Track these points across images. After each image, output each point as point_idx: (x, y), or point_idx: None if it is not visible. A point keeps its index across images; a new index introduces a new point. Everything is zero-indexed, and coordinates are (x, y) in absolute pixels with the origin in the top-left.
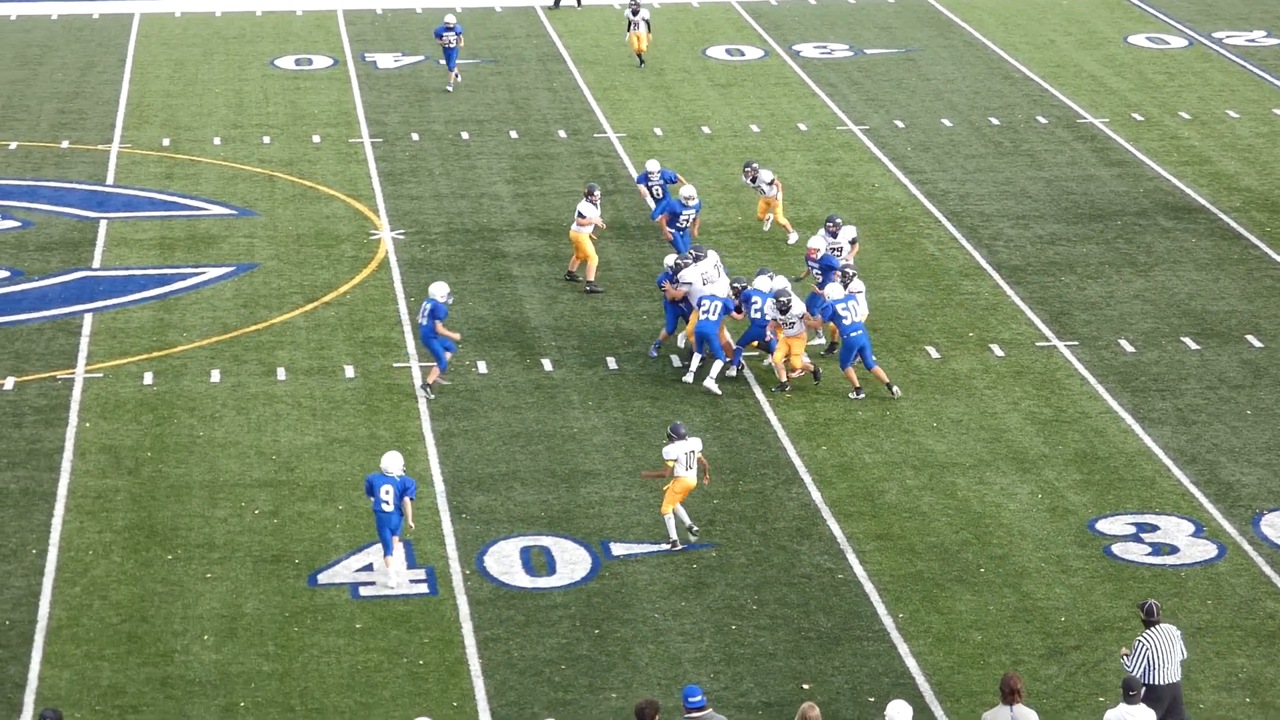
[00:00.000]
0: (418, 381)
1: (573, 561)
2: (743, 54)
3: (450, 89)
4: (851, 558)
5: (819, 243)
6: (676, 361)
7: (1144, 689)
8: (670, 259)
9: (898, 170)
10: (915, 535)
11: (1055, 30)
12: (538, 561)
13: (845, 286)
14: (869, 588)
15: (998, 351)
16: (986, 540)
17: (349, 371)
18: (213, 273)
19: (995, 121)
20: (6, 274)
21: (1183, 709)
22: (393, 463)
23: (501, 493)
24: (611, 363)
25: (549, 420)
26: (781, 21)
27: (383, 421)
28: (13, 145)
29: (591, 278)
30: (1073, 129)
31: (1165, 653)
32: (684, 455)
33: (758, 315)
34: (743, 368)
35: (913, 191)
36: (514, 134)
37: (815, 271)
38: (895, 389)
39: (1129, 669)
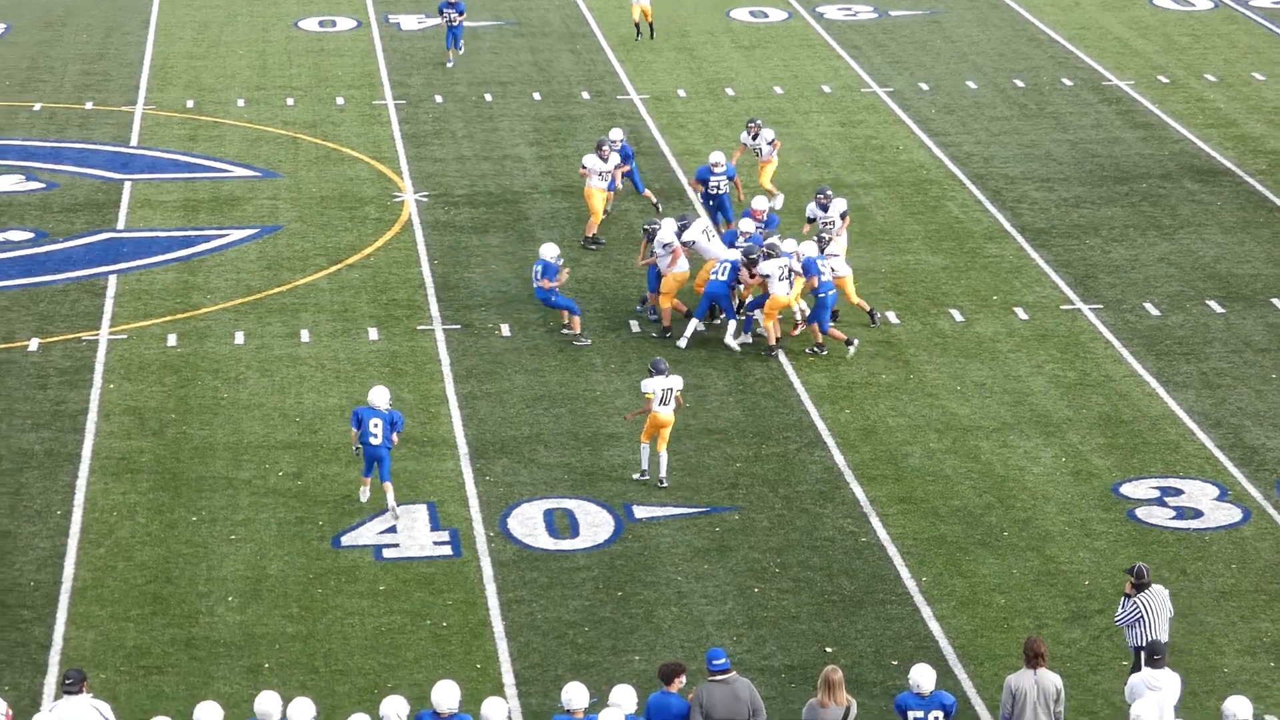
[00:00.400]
0: (443, 349)
1: (596, 524)
2: (766, 16)
3: (450, 64)
4: (874, 521)
5: (763, 203)
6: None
7: (1137, 652)
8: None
9: (922, 133)
10: (938, 499)
11: None
12: (561, 524)
13: (822, 251)
14: (892, 551)
15: (1022, 315)
16: (1010, 504)
17: (373, 334)
18: (236, 234)
19: (1020, 84)
20: (31, 235)
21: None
22: (379, 396)
23: (525, 455)
24: (634, 326)
25: (572, 383)
26: None
27: (406, 384)
28: (37, 106)
29: (589, 234)
30: (1098, 91)
31: (1157, 615)
32: (660, 390)
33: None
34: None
35: (937, 154)
36: (537, 96)
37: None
38: (853, 344)
39: (1118, 621)
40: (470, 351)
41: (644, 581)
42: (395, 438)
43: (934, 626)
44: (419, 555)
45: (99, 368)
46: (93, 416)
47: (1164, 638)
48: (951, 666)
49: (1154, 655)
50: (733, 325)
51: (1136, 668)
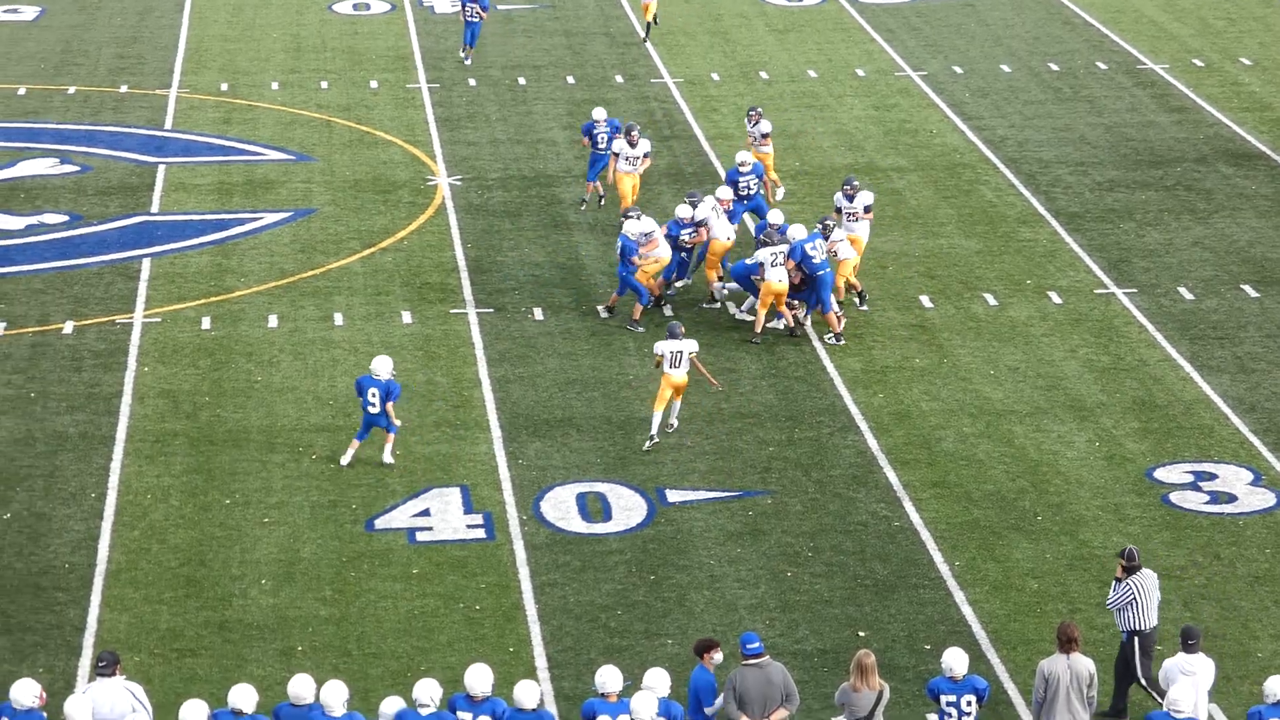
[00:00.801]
0: (476, 332)
1: (628, 508)
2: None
3: (468, 62)
4: (908, 505)
5: (726, 193)
6: (734, 312)
7: (1130, 636)
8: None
9: (956, 116)
10: (972, 483)
11: None
12: (594, 507)
13: (827, 237)
14: (925, 535)
15: (1055, 299)
16: (1043, 488)
17: (406, 317)
18: (270, 218)
19: (1054, 67)
20: (65, 218)
21: (1153, 652)
22: (381, 365)
23: (557, 439)
24: (667, 309)
25: (605, 367)
26: None
27: (439, 367)
28: (71, 90)
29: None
30: (1132, 75)
31: (1148, 598)
32: (670, 353)
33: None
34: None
35: (971, 138)
36: (571, 79)
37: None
38: (841, 339)
39: (1109, 604)
40: (503, 335)
41: (676, 565)
42: (389, 407)
43: (967, 611)
44: (452, 538)
45: (133, 350)
46: (127, 399)
47: (1154, 621)
48: (984, 651)
49: (1188, 640)
50: (749, 301)
51: (1129, 652)
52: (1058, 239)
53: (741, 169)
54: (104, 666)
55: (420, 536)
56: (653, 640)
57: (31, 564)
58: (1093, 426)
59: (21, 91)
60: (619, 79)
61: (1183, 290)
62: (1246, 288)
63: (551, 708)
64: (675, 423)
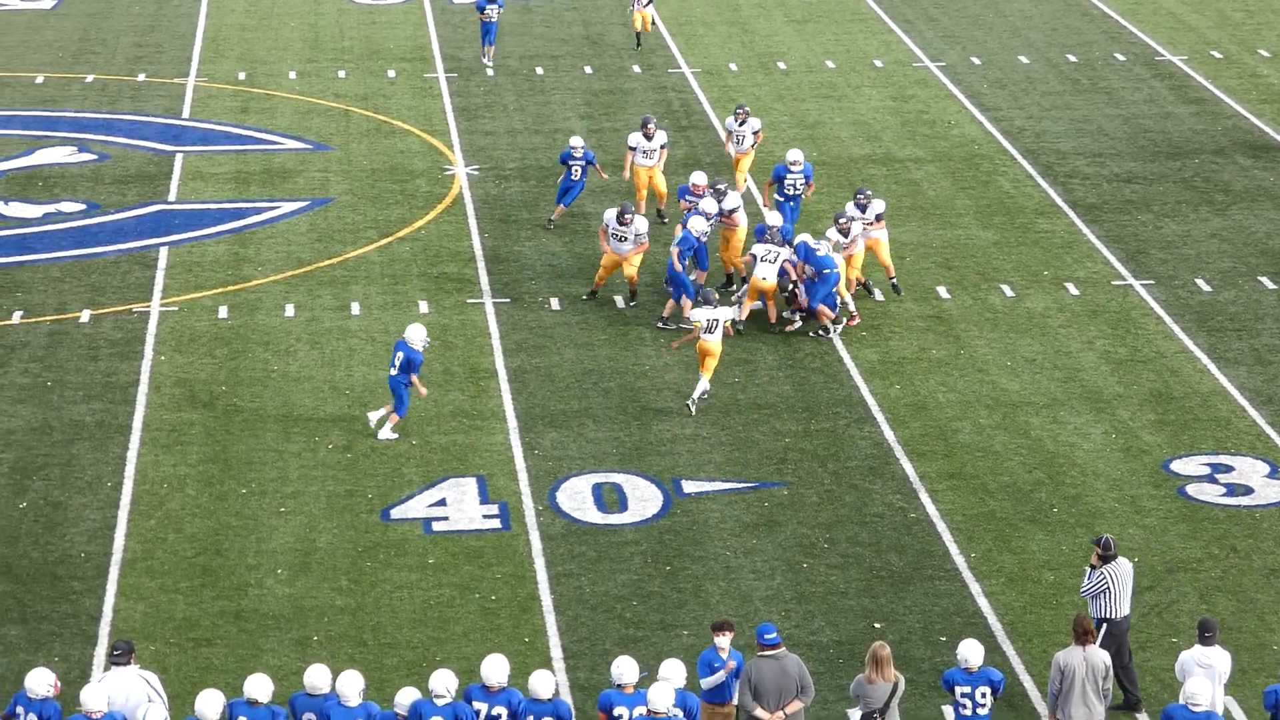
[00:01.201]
0: (492, 322)
1: (644, 498)
2: None
3: (488, 62)
4: (924, 497)
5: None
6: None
7: (1100, 624)
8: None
9: (974, 107)
10: (988, 475)
11: None
12: (609, 498)
13: (864, 208)
14: (941, 527)
15: (1073, 290)
16: (1060, 480)
17: (423, 307)
18: (287, 207)
19: (1073, 59)
20: (83, 207)
21: (1128, 641)
22: (413, 334)
23: (574, 429)
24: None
25: (621, 358)
26: None
27: (456, 357)
28: (89, 78)
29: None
30: (1151, 66)
31: (1121, 586)
32: (707, 320)
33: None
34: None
35: (989, 129)
36: (588, 69)
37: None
38: (833, 331)
39: (1083, 592)
40: (520, 325)
41: (692, 556)
42: (414, 378)
43: (982, 603)
44: (468, 529)
45: (150, 339)
46: (143, 388)
47: (1125, 610)
48: (1000, 643)
49: (1204, 633)
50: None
51: (1101, 641)
52: (1075, 230)
53: (792, 167)
54: (119, 655)
55: (436, 526)
56: (668, 631)
57: (48, 553)
58: (1109, 418)
59: (39, 80)
60: (636, 69)
61: (1200, 282)
62: (1264, 279)
63: (567, 698)
64: (695, 401)
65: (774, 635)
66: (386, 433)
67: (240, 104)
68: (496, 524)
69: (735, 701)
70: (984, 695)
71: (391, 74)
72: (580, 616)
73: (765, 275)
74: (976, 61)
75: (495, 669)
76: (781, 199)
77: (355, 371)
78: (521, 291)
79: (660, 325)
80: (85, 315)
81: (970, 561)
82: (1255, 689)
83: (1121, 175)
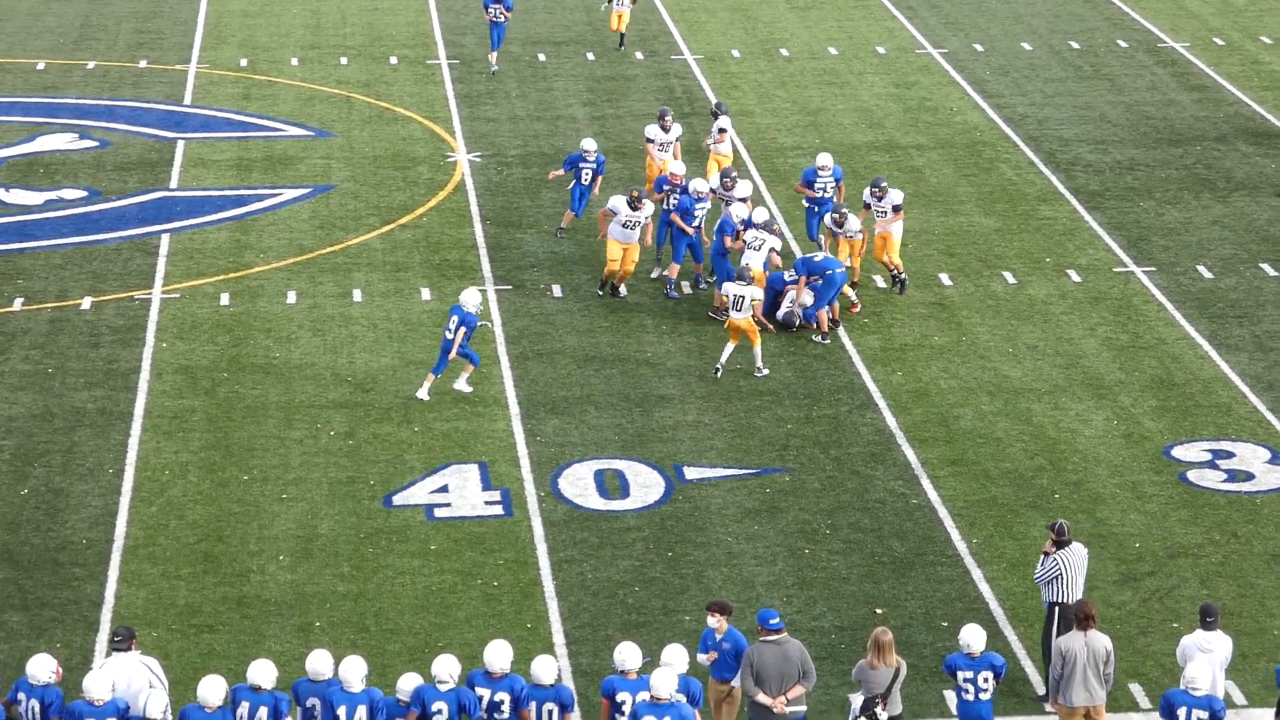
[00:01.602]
0: (494, 309)
1: (646, 485)
2: None
3: (495, 69)
4: (925, 483)
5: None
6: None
7: (1051, 608)
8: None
9: (976, 94)
10: (990, 461)
11: None
12: (611, 484)
13: (840, 226)
14: (943, 513)
15: (1075, 277)
16: (1061, 466)
17: (425, 294)
18: (289, 194)
19: (1075, 45)
20: (84, 194)
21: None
22: (468, 298)
23: (575, 416)
24: (685, 287)
25: (623, 344)
26: None
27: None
28: (91, 65)
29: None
30: (1153, 53)
31: (1075, 572)
32: (734, 296)
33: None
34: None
35: (991, 116)
36: (591, 55)
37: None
38: (825, 338)
39: (1037, 578)
40: (522, 312)
41: (694, 542)
42: (461, 333)
43: (984, 588)
44: (470, 515)
45: (151, 326)
46: (145, 375)
47: (1079, 595)
48: (1001, 628)
49: (1206, 617)
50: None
51: (1054, 624)
52: (1077, 217)
53: (821, 172)
54: (119, 641)
55: (438, 513)
56: (670, 617)
57: (49, 540)
58: (1111, 405)
59: (41, 66)
60: (639, 55)
61: (1201, 269)
62: (1265, 266)
63: (569, 684)
64: (763, 370)
65: (777, 620)
66: (462, 384)
67: (242, 90)
68: (499, 510)
69: (734, 682)
70: (986, 680)
71: (394, 60)
72: (582, 602)
73: (750, 263)
74: (979, 48)
75: (498, 655)
76: (809, 205)
77: (357, 358)
78: (523, 279)
79: (712, 315)
80: (86, 302)
81: (972, 547)
82: (1256, 674)
83: (1124, 162)
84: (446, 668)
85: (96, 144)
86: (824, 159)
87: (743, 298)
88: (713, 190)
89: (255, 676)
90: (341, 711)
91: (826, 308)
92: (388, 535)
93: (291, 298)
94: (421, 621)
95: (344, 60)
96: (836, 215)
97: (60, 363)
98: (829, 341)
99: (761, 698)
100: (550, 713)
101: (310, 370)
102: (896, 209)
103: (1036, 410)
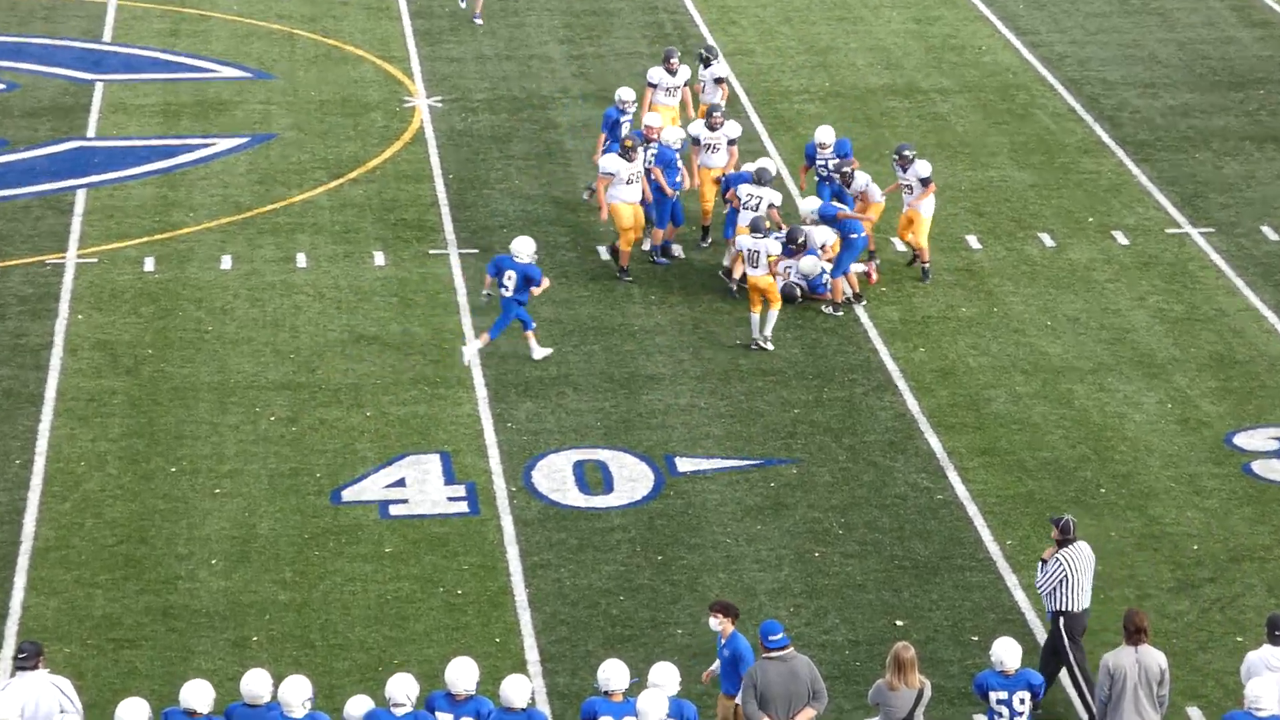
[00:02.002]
0: (458, 276)
1: (632, 478)
2: None
3: (479, 20)
4: (953, 476)
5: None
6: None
7: (1055, 617)
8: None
9: (1008, 31)
10: (1025, 450)
11: None
12: (593, 478)
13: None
14: (972, 510)
15: (1121, 239)
16: (1108, 456)
17: (379, 258)
18: (223, 144)
19: None
20: None
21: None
22: (521, 246)
23: (552, 399)
24: (677, 250)
25: (606, 316)
26: None
27: (416, 316)
28: None
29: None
30: None
31: (1081, 574)
32: (748, 250)
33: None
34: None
35: (1025, 56)
36: None
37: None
38: (837, 310)
39: (1040, 587)
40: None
41: (688, 544)
42: (535, 290)
43: (1019, 597)
44: (430, 513)
45: (65, 295)
46: (57, 351)
47: (1085, 603)
48: (1039, 642)
49: (1275, 631)
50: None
51: (1055, 636)
52: (1124, 171)
53: (822, 149)
54: (24, 659)
55: (394, 510)
56: (660, 629)
57: None
58: (1164, 386)
59: None
60: None
61: (1266, 230)
62: None
63: (544, 707)
64: (769, 343)
65: (780, 636)
66: (537, 349)
67: (170, 25)
68: (463, 507)
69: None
70: (1022, 702)
71: None
72: (559, 613)
73: (745, 222)
74: None
75: (462, 674)
76: (819, 180)
77: (301, 332)
78: (492, 241)
79: (724, 279)
80: None
81: (1005, 550)
82: None
83: (1176, 108)
84: (403, 689)
85: (3, 86)
86: (825, 134)
87: (758, 252)
88: (695, 140)
89: (191, 699)
90: None
91: (843, 276)
92: (336, 536)
93: (226, 263)
94: (374, 635)
95: None
96: (842, 173)
97: None
98: (842, 314)
99: None
100: None
101: (248, 346)
102: (925, 182)
103: (1079, 392)
